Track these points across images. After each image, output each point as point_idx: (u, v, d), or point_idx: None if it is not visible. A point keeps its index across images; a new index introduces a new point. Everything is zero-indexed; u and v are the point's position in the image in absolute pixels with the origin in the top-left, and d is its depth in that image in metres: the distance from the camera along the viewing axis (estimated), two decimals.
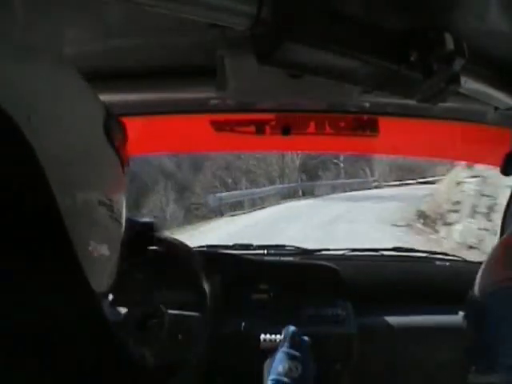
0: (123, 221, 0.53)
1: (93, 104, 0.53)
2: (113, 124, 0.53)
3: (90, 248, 0.44)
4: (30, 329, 0.30)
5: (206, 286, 0.88)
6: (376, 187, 25.11)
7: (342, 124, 1.25)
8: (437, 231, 8.55)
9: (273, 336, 1.05)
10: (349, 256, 1.64)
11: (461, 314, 1.34)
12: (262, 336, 1.07)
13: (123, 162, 0.56)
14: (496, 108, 0.96)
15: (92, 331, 0.33)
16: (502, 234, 1.17)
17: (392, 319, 1.35)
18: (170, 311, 0.77)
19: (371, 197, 17.25)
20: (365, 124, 1.25)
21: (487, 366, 0.65)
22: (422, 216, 9.81)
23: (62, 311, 0.32)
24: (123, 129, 0.58)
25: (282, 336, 0.92)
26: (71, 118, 0.46)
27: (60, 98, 0.46)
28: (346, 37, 0.59)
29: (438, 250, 2.87)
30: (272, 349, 0.90)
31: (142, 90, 1.03)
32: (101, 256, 0.47)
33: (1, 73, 0.39)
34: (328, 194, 20.48)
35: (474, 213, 7.03)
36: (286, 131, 1.25)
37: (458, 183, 8.41)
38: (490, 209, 6.39)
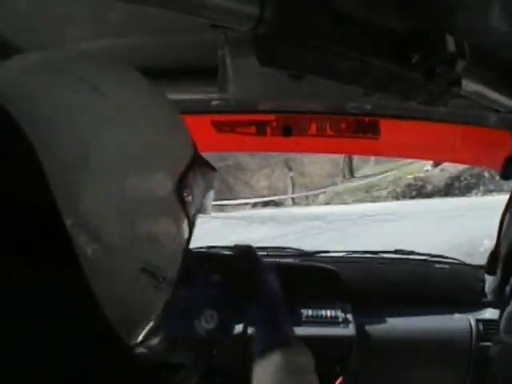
0: (172, 288, 0.45)
1: (174, 144, 0.44)
2: (191, 178, 0.45)
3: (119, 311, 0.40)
4: (29, 329, 0.30)
5: (206, 287, 0.88)
6: None
7: (343, 126, 1.25)
8: None
9: None
10: (349, 258, 1.64)
11: (457, 315, 1.35)
12: None
13: (192, 223, 0.46)
14: (497, 111, 0.96)
15: (92, 331, 0.33)
16: (499, 236, 1.17)
17: (391, 321, 1.35)
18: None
19: None
20: (366, 126, 1.25)
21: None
22: None
23: (62, 311, 0.32)
24: (211, 177, 0.50)
25: None
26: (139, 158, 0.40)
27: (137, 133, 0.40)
28: (348, 38, 0.59)
29: None
30: None
31: None
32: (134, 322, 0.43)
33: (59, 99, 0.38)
34: None
35: None
36: (286, 132, 1.25)
37: None
38: None
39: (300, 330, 1.25)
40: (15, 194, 0.33)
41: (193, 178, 0.45)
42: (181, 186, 0.43)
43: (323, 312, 1.30)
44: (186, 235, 0.46)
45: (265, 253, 1.60)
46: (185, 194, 0.44)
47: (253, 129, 1.27)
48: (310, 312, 1.30)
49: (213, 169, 0.50)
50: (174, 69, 0.96)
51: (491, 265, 1.16)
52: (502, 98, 0.86)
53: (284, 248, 1.71)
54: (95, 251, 0.38)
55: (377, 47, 0.61)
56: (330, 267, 1.43)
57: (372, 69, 0.63)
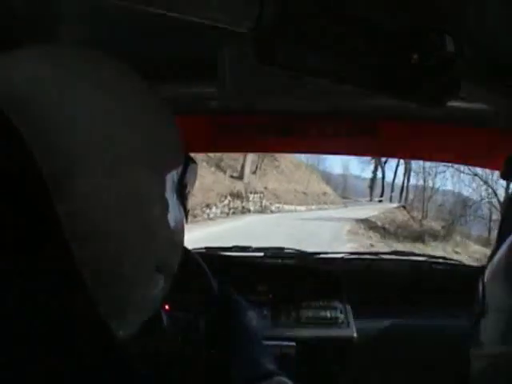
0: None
1: (173, 147, 0.43)
2: (189, 176, 0.45)
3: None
4: (29, 329, 0.30)
5: (205, 288, 0.88)
6: None
7: (343, 126, 1.25)
8: None
9: (270, 342, 1.05)
10: (348, 259, 1.64)
11: (457, 316, 1.34)
12: None
13: (187, 215, 0.47)
14: (497, 111, 0.96)
15: (92, 332, 0.33)
16: (499, 237, 1.16)
17: (391, 322, 1.35)
18: (170, 311, 0.77)
19: None
20: (365, 126, 1.25)
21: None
22: None
23: (62, 312, 0.32)
24: (196, 171, 0.49)
25: None
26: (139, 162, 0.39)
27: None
28: (347, 38, 0.59)
29: None
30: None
31: None
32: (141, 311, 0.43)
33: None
34: None
35: None
36: (286, 132, 1.25)
37: None
38: None
39: (300, 332, 1.25)
40: (9, 193, 0.33)
41: (187, 174, 0.45)
42: (182, 182, 0.43)
43: (323, 313, 1.30)
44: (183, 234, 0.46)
45: (263, 253, 1.59)
46: (187, 191, 0.44)
47: (252, 129, 1.27)
48: (310, 313, 1.30)
49: (194, 162, 0.50)
50: (173, 69, 0.95)
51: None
52: (500, 99, 0.86)
53: (283, 249, 1.71)
54: (103, 252, 0.37)
55: (376, 47, 0.61)
56: (330, 268, 1.43)
57: (371, 69, 0.63)
